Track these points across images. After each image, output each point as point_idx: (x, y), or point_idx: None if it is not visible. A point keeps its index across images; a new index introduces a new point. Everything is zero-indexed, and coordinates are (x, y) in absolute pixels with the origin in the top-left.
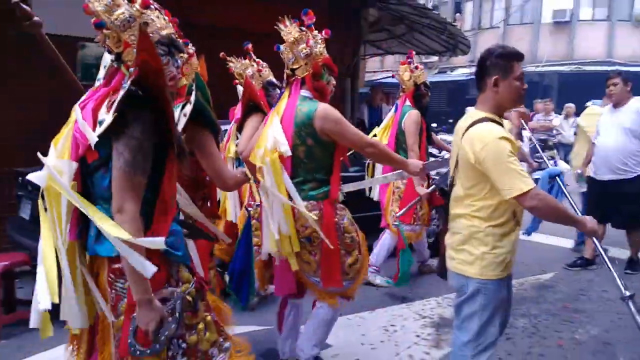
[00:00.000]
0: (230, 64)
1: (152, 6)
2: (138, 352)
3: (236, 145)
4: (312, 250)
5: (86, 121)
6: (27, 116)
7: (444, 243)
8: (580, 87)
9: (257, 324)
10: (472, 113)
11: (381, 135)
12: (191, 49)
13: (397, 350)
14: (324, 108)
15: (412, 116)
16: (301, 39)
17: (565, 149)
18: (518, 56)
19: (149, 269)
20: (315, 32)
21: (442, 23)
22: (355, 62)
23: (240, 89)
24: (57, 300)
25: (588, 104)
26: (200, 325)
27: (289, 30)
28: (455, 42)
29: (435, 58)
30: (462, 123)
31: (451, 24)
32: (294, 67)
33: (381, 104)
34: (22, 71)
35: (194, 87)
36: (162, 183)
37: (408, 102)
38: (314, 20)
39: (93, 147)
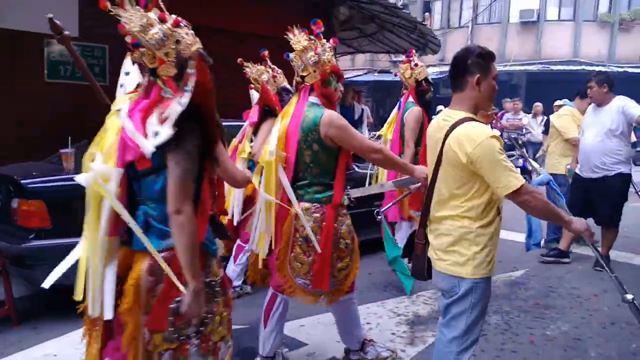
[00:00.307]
0: (247, 70)
1: (181, 24)
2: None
3: (251, 147)
4: (307, 251)
5: (138, 132)
6: None
7: (420, 244)
8: (547, 86)
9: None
10: (450, 113)
11: (386, 132)
12: None
13: None
14: (329, 115)
15: (413, 112)
16: (309, 47)
17: (534, 147)
18: (494, 57)
19: (196, 284)
20: (324, 40)
21: (412, 22)
22: None
23: (253, 93)
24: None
25: (557, 102)
26: (217, 318)
27: (297, 39)
28: (425, 41)
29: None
30: (441, 123)
31: (421, 23)
32: (303, 74)
33: (353, 102)
34: None
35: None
36: (202, 186)
37: (411, 99)
38: (322, 29)
39: (148, 157)
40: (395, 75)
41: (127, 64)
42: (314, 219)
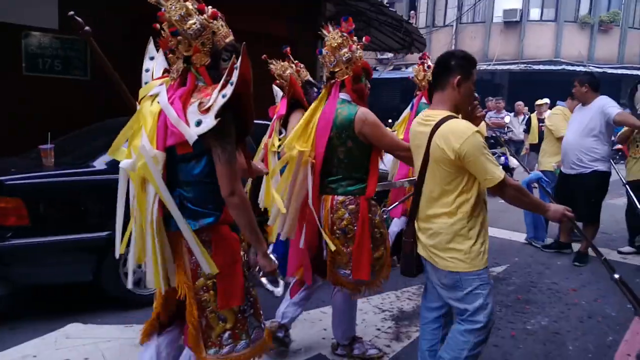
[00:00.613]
0: (271, 66)
1: (218, 16)
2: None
3: (279, 140)
4: (345, 243)
5: (181, 119)
6: None
7: (408, 242)
8: (529, 86)
9: None
10: (432, 113)
11: (398, 131)
12: None
13: None
14: (363, 112)
15: None
16: (343, 44)
17: (515, 146)
18: (476, 63)
19: (206, 257)
20: (355, 37)
21: (399, 21)
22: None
23: (276, 89)
24: (142, 261)
25: (538, 101)
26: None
27: (332, 35)
28: (410, 39)
29: (390, 54)
30: (424, 123)
31: (407, 22)
32: (335, 70)
33: None
34: None
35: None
36: None
37: (424, 100)
38: (354, 26)
39: (191, 144)
40: (409, 78)
41: (151, 49)
42: (350, 211)
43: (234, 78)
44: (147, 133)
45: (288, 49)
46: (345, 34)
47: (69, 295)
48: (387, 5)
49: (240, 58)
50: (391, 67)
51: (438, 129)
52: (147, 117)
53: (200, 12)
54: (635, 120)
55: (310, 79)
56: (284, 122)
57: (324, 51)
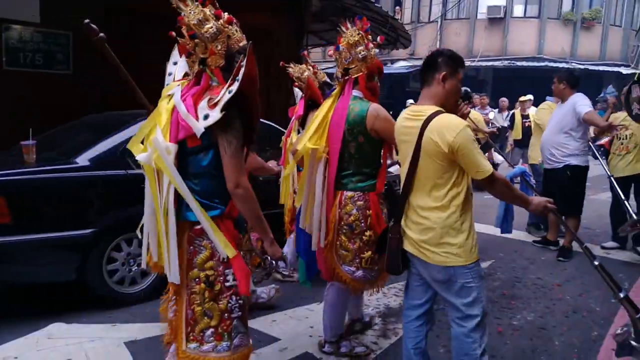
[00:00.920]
0: (289, 69)
1: (233, 22)
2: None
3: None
4: (352, 238)
5: (190, 114)
6: None
7: (395, 238)
8: (513, 82)
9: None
10: (420, 108)
11: None
12: None
13: None
14: (375, 108)
15: None
16: (359, 42)
17: (499, 141)
18: (463, 64)
19: (222, 240)
20: (370, 36)
21: (384, 16)
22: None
23: (296, 90)
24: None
25: (522, 98)
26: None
27: (350, 32)
28: (396, 35)
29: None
30: (412, 118)
31: (393, 18)
32: (350, 67)
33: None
34: None
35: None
36: None
37: None
38: (369, 25)
39: (198, 136)
40: None
41: (175, 55)
42: (357, 207)
43: (240, 75)
44: (161, 128)
45: (305, 52)
46: (361, 32)
47: (52, 294)
48: (373, 1)
49: (246, 57)
50: None
51: (430, 123)
52: (163, 114)
53: (217, 17)
54: (600, 120)
55: (328, 79)
56: (302, 122)
57: (341, 48)
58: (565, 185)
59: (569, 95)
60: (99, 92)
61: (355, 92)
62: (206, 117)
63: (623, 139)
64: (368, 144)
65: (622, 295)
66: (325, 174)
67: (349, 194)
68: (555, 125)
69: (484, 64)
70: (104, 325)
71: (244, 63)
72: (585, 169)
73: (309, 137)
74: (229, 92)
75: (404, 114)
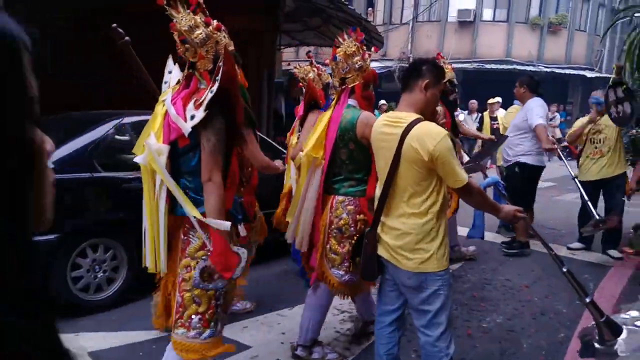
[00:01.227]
0: (295, 70)
1: (222, 29)
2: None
3: (297, 138)
4: (341, 242)
5: (180, 115)
6: None
7: (371, 244)
8: (482, 85)
9: None
10: (400, 115)
11: None
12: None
13: None
14: (366, 116)
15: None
16: (356, 53)
17: (468, 143)
18: (444, 75)
19: (225, 225)
20: (365, 47)
21: (357, 18)
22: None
23: (303, 90)
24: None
25: (490, 100)
26: (233, 281)
27: (348, 44)
28: (369, 37)
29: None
30: (395, 124)
31: (366, 20)
32: (347, 76)
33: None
34: None
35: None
36: (230, 160)
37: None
38: (364, 36)
39: (187, 136)
40: None
41: (170, 64)
42: (348, 211)
43: (219, 75)
44: (154, 131)
45: (310, 53)
46: (357, 43)
47: None
48: (346, 2)
49: (223, 58)
50: None
51: (410, 131)
52: (157, 117)
53: (207, 24)
54: (544, 138)
55: (331, 81)
56: (302, 122)
57: (338, 58)
58: (514, 181)
59: (529, 98)
60: (78, 91)
61: (350, 101)
62: (192, 117)
63: (597, 143)
64: (359, 151)
65: (588, 300)
66: (321, 180)
67: (340, 198)
68: (512, 127)
69: (454, 66)
70: (68, 335)
71: (221, 64)
72: (537, 168)
73: (311, 147)
74: (211, 92)
75: (381, 119)
